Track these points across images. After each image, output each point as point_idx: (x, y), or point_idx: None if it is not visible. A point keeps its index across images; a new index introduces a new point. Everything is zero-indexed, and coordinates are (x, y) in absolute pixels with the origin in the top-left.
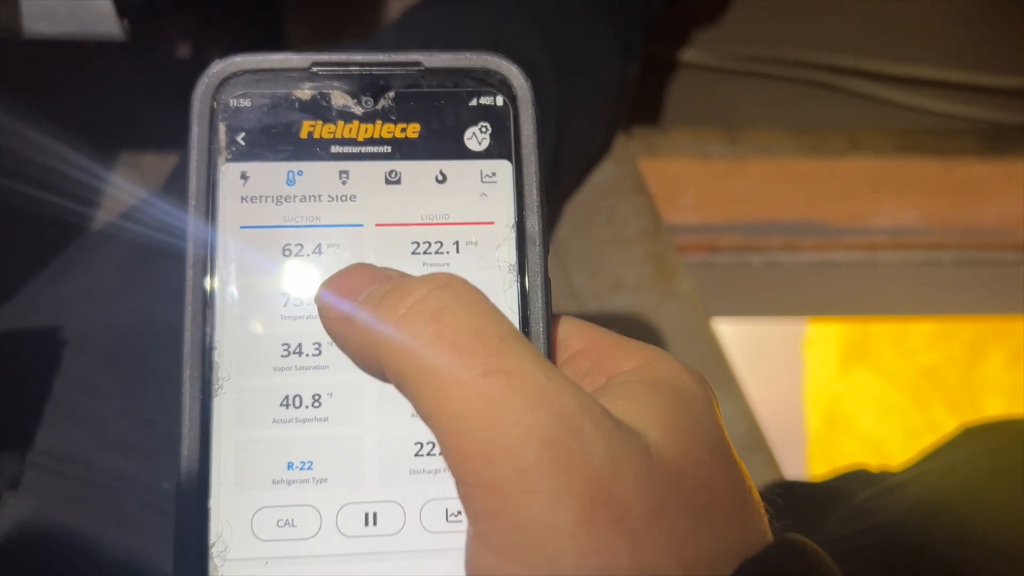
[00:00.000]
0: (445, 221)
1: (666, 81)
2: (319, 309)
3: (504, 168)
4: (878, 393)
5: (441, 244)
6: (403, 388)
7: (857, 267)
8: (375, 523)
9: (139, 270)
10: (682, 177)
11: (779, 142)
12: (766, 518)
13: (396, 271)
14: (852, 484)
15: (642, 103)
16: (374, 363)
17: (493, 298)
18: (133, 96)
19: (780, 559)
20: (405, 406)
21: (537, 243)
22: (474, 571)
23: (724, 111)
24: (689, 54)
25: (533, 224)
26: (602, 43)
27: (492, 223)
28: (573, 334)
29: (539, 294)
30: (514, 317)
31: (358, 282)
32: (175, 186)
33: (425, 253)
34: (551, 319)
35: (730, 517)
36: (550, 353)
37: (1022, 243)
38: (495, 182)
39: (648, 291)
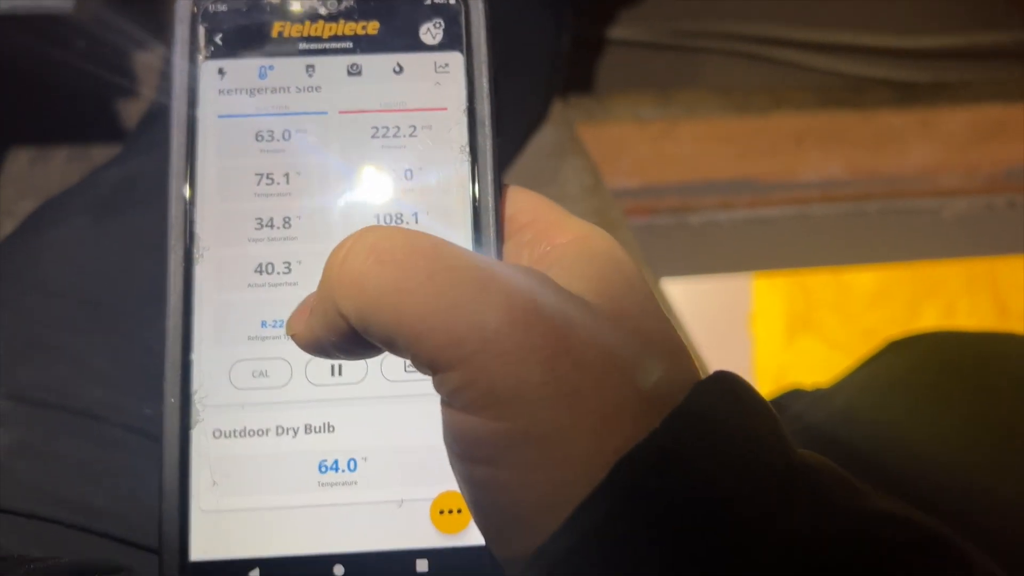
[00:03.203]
0: (402, 108)
1: (598, 58)
2: (294, 337)
3: (456, 59)
4: (823, 359)
5: (399, 128)
6: (367, 323)
7: (790, 221)
8: (340, 373)
9: (108, 222)
10: (619, 141)
11: (708, 102)
12: (696, 364)
13: None
14: (787, 400)
15: (576, 78)
16: (341, 321)
17: (447, 175)
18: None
19: (728, 380)
20: None
21: (487, 125)
22: (457, 436)
23: (654, 81)
24: (618, 31)
25: (483, 109)
26: (535, 17)
27: (445, 108)
28: (522, 210)
29: (488, 170)
30: (466, 191)
31: (310, 298)
32: (132, 148)
33: (384, 136)
34: (500, 192)
35: (667, 359)
36: (498, 221)
37: (941, 189)
38: (448, 72)
39: None
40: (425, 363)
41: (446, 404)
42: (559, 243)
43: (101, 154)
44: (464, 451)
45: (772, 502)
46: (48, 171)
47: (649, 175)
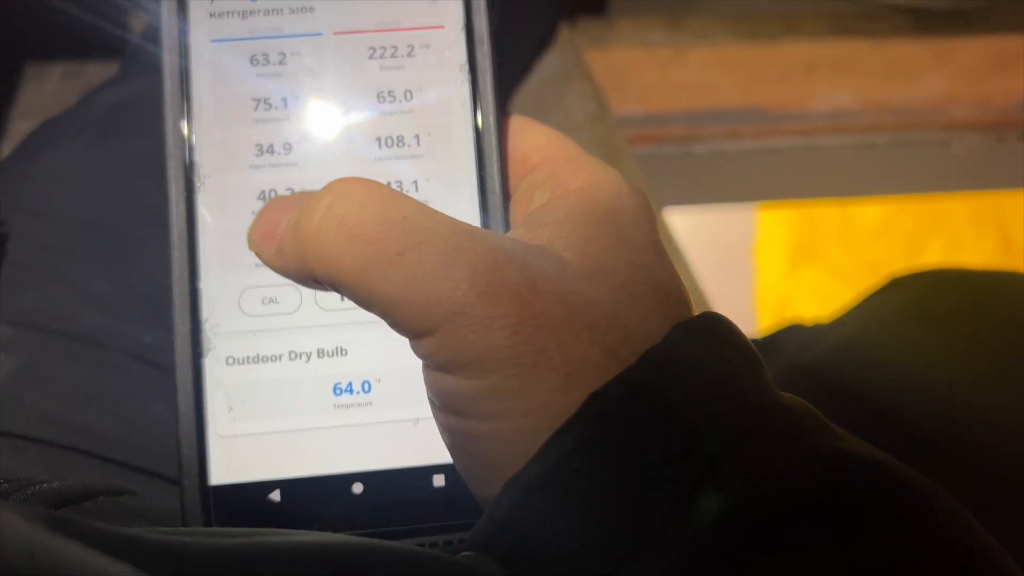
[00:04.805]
0: (398, 27)
1: None
2: (257, 255)
3: None
4: (825, 289)
5: (396, 48)
6: (341, 291)
7: (797, 152)
8: None
9: (103, 147)
10: (626, 68)
11: (717, 29)
12: (693, 311)
13: (303, 193)
14: (787, 335)
15: (584, 1)
16: (314, 282)
17: (447, 94)
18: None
19: (709, 321)
20: None
21: (485, 42)
22: (435, 392)
23: (664, 6)
24: None
25: (481, 25)
26: None
27: (442, 27)
28: (534, 148)
29: (489, 88)
30: (467, 111)
31: (275, 216)
32: (128, 70)
33: (381, 57)
34: (502, 112)
35: (650, 309)
36: (501, 141)
37: (952, 122)
38: None
39: None
40: (399, 331)
41: (424, 364)
42: (567, 188)
43: (96, 71)
44: (442, 404)
45: (736, 436)
46: (42, 89)
47: (655, 103)
